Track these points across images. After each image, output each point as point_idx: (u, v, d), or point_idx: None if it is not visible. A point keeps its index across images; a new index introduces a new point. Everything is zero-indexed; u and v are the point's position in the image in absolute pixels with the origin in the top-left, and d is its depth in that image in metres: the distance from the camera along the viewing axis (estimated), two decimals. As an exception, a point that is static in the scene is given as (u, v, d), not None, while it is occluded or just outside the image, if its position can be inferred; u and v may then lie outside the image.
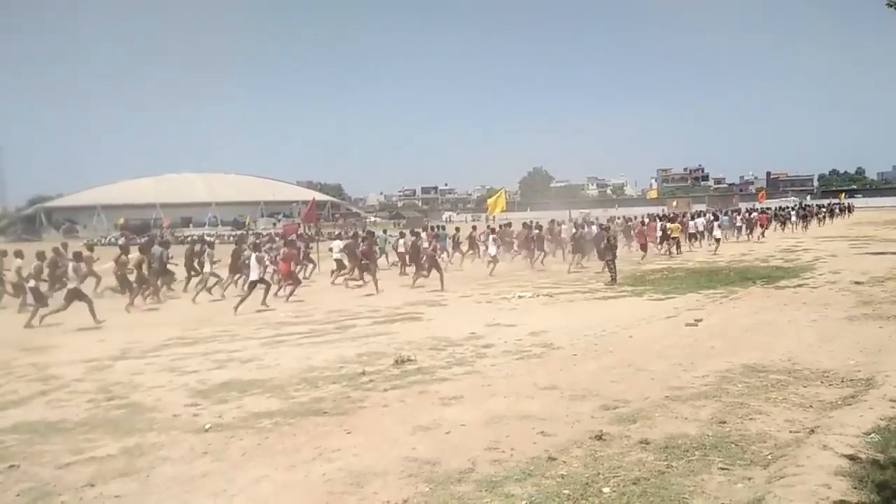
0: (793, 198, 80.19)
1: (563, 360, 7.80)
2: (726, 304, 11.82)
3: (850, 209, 57.64)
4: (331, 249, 18.90)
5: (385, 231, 26.35)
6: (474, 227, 24.12)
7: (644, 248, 22.05)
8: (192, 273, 16.76)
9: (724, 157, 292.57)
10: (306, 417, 5.88)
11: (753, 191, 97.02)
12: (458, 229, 22.98)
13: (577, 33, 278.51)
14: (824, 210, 45.65)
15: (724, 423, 5.30)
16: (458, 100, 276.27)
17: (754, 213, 33.11)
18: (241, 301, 13.11)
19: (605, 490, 4.11)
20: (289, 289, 14.85)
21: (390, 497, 4.13)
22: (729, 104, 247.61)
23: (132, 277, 14.53)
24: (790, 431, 5.06)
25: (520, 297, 13.70)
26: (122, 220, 68.15)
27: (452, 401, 6.23)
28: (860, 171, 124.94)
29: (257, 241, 17.27)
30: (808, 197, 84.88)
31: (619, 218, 31.02)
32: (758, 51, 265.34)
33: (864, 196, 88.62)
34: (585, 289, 14.80)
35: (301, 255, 18.79)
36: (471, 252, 22.35)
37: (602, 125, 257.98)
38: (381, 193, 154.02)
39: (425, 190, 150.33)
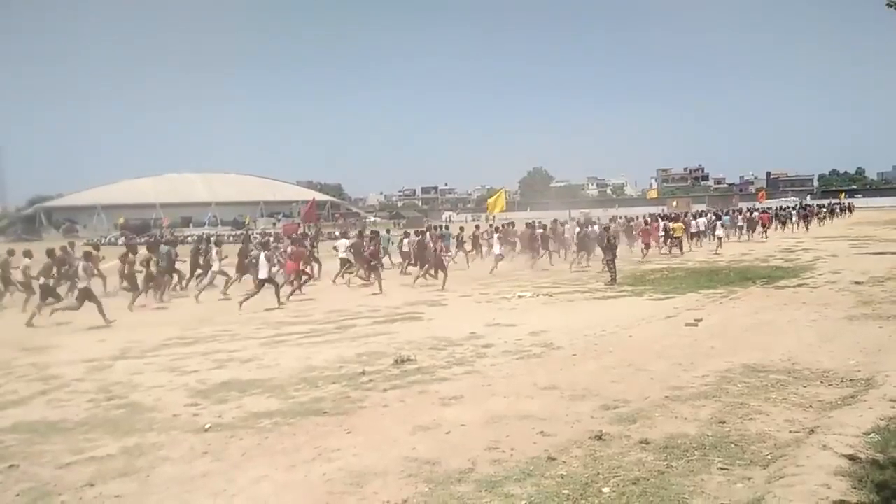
0: (793, 198, 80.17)
1: (563, 360, 7.80)
2: (726, 304, 11.82)
3: (850, 209, 57.74)
4: (335, 248, 18.96)
5: (388, 231, 26.38)
6: (477, 227, 24.19)
7: (647, 246, 22.15)
8: (197, 271, 16.87)
9: (724, 157, 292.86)
10: (306, 417, 5.88)
11: (753, 191, 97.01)
12: (462, 229, 23.01)
13: (577, 33, 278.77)
14: (825, 210, 45.73)
15: (724, 423, 5.31)
16: (458, 100, 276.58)
17: (756, 213, 33.20)
18: (248, 297, 13.22)
19: (605, 490, 4.11)
20: (288, 288, 14.86)
21: (390, 497, 4.13)
22: (729, 104, 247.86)
23: (140, 276, 14.65)
24: (790, 431, 5.06)
25: (520, 296, 13.70)
26: (122, 220, 68.08)
27: (452, 401, 6.24)
28: (860, 171, 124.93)
29: (266, 241, 17.28)
30: (808, 197, 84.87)
31: (620, 217, 31.05)
32: (758, 51, 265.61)
33: (864, 196, 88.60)
34: (585, 289, 14.80)
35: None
36: (473, 251, 22.41)
37: (602, 125, 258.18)
38: (381, 193, 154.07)
39: (425, 190, 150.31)
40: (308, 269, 16.71)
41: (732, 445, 4.80)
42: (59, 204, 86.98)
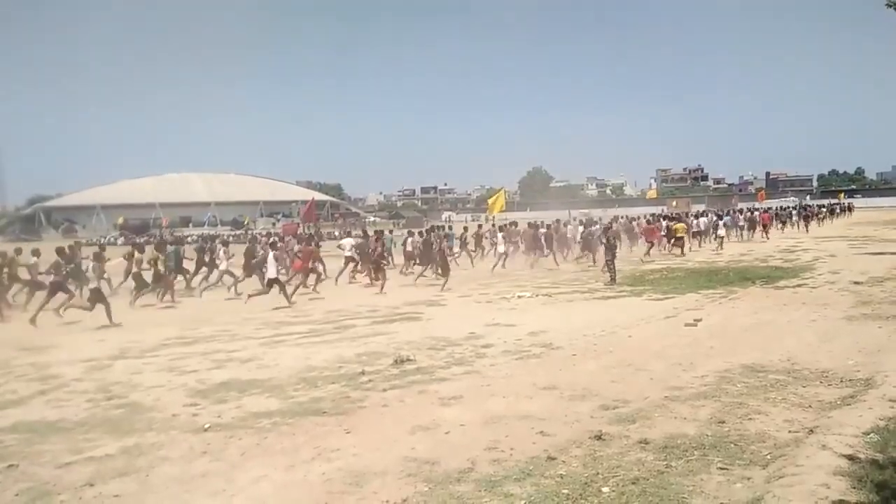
0: (792, 198, 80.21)
1: (563, 360, 7.80)
2: (725, 304, 11.83)
3: (850, 209, 57.88)
4: (340, 247, 19.02)
5: (391, 231, 26.44)
6: (480, 226, 24.38)
7: (651, 245, 22.28)
8: (202, 269, 17.11)
9: (724, 158, 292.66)
10: (305, 417, 5.88)
11: (753, 191, 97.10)
12: (465, 229, 23.08)
13: (577, 33, 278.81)
14: (825, 210, 45.87)
15: (724, 422, 5.31)
16: (457, 100, 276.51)
17: (757, 213, 33.31)
18: (258, 294, 13.46)
19: (605, 490, 4.11)
20: (293, 285, 14.97)
21: (389, 496, 4.13)
22: (728, 104, 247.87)
23: (146, 274, 14.80)
24: (789, 431, 5.06)
25: (519, 297, 13.70)
26: (121, 220, 68.02)
27: (452, 401, 6.24)
28: (859, 172, 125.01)
29: (274, 241, 17.39)
30: (808, 197, 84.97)
31: (622, 217, 31.16)
32: (757, 51, 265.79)
33: (863, 196, 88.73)
34: (585, 289, 14.80)
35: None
36: (474, 251, 22.50)
37: (601, 125, 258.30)
38: (381, 193, 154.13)
39: (425, 190, 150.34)
40: (317, 268, 16.80)
41: (732, 445, 4.80)
42: (58, 204, 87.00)
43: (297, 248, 17.05)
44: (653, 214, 31.04)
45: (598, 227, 21.35)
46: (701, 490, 4.06)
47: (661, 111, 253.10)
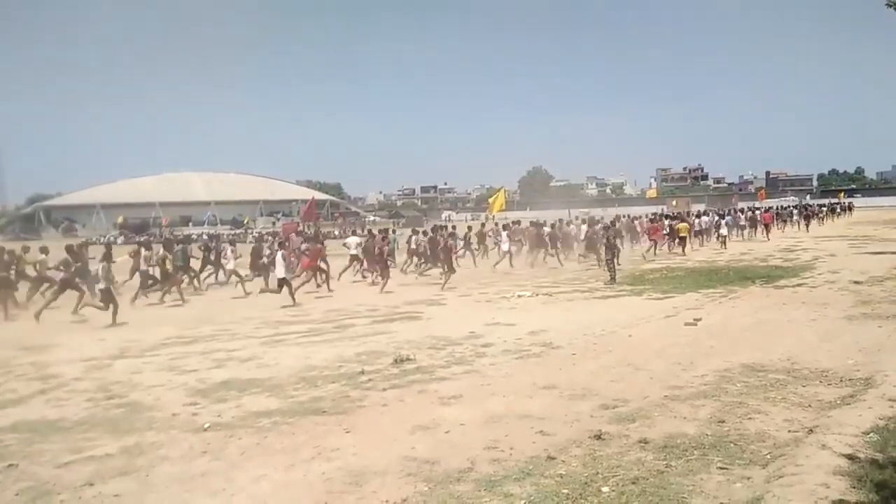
0: (792, 197, 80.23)
1: (563, 360, 7.81)
2: (725, 303, 11.83)
3: (850, 209, 57.96)
4: (346, 245, 19.08)
5: (394, 231, 26.55)
6: (483, 225, 24.52)
7: (655, 243, 22.42)
8: (208, 267, 17.52)
9: (724, 157, 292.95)
10: (305, 416, 5.88)
11: (753, 190, 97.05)
12: (469, 228, 23.19)
13: (577, 32, 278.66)
14: (825, 209, 45.97)
15: (723, 422, 5.31)
16: (457, 99, 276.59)
17: (758, 212, 33.40)
18: (270, 291, 13.69)
19: (604, 489, 4.11)
20: (299, 282, 15.11)
21: (389, 496, 4.13)
22: (728, 104, 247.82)
23: (154, 272, 15.00)
24: (789, 431, 5.06)
25: (519, 296, 13.71)
26: (121, 219, 68.02)
27: (451, 400, 6.24)
28: (859, 171, 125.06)
29: (283, 240, 17.51)
30: (808, 196, 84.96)
31: (624, 217, 31.31)
32: (758, 50, 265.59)
33: (863, 196, 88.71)
34: (585, 288, 14.81)
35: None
36: (478, 249, 22.61)
37: (601, 124, 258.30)
38: (381, 192, 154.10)
39: (424, 189, 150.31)
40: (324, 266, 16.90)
41: (731, 445, 4.81)
42: (58, 203, 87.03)
43: (304, 246, 17.16)
44: (655, 213, 31.20)
45: (601, 226, 21.42)
46: (701, 490, 4.06)
47: (661, 111, 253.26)
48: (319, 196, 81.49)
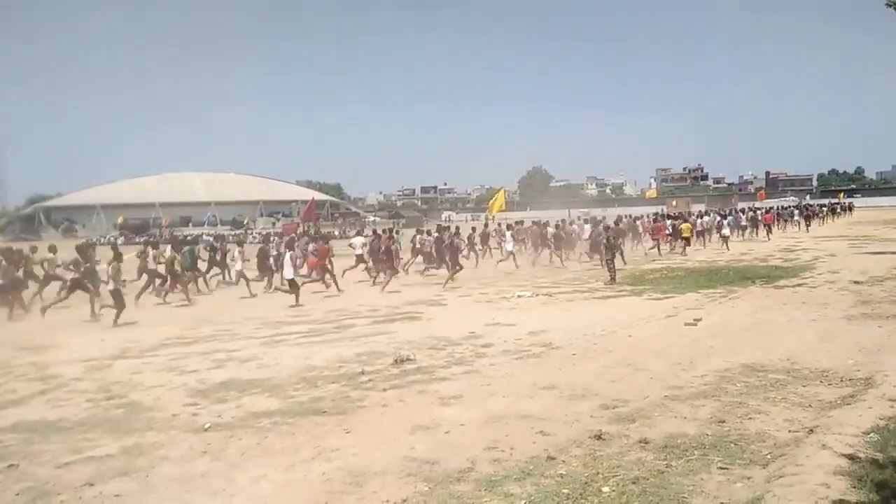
0: (792, 197, 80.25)
1: (563, 360, 7.80)
2: (725, 303, 11.83)
3: (850, 209, 58.04)
4: (351, 246, 19.16)
5: (397, 232, 26.63)
6: (486, 226, 24.67)
7: (658, 242, 22.54)
8: (213, 269, 17.73)
9: (724, 157, 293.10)
10: (305, 417, 5.88)
11: (752, 190, 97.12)
12: (473, 229, 23.28)
13: (577, 32, 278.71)
14: (825, 209, 46.06)
15: (724, 422, 5.31)
16: (457, 99, 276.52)
17: (759, 212, 33.49)
18: (283, 291, 13.89)
19: (605, 489, 4.11)
20: (310, 283, 15.36)
21: (389, 496, 4.13)
22: (728, 104, 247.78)
23: (161, 271, 15.16)
24: (789, 431, 5.06)
25: (519, 296, 13.70)
26: (121, 220, 68.00)
27: (452, 400, 6.24)
28: (859, 171, 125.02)
29: (291, 241, 17.60)
30: (808, 196, 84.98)
31: (626, 217, 31.43)
32: (757, 50, 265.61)
33: (863, 196, 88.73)
34: (585, 288, 14.81)
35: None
36: (482, 249, 22.71)
37: (601, 125, 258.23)
38: (381, 193, 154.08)
39: (424, 189, 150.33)
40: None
41: (732, 445, 4.80)
42: (58, 203, 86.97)
43: (311, 246, 17.27)
44: (657, 213, 31.39)
45: (606, 227, 21.53)
46: (701, 490, 4.06)
47: (660, 111, 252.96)
48: (319, 196, 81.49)
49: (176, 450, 5.15)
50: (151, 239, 24.01)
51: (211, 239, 25.25)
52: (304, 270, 16.79)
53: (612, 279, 15.35)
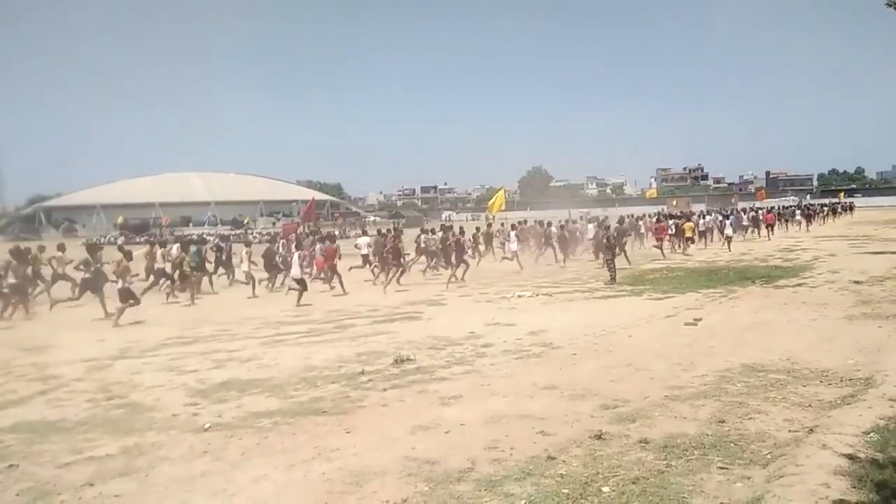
0: (792, 197, 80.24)
1: (563, 360, 7.81)
2: (725, 303, 11.83)
3: (850, 208, 58.11)
4: (357, 246, 19.23)
5: (400, 231, 26.75)
6: (489, 226, 24.79)
7: (661, 241, 22.59)
8: (220, 269, 17.87)
9: (724, 157, 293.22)
10: (305, 417, 5.88)
11: (753, 190, 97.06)
12: (478, 229, 23.37)
13: (577, 32, 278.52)
14: (826, 209, 46.14)
15: (724, 422, 5.31)
16: (457, 99, 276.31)
17: (760, 212, 33.56)
18: (295, 290, 13.90)
19: (605, 489, 4.11)
20: (336, 284, 15.58)
21: (390, 496, 4.13)
22: (728, 103, 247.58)
23: (169, 271, 15.29)
24: (789, 431, 5.06)
25: (519, 296, 13.71)
26: (121, 220, 67.97)
27: (452, 400, 6.24)
28: (859, 171, 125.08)
29: (299, 241, 17.67)
30: (808, 196, 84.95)
31: (628, 216, 31.55)
32: (757, 50, 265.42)
33: (863, 195, 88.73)
34: (585, 288, 14.81)
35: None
36: (486, 249, 22.76)
37: (601, 124, 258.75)
38: (381, 193, 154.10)
39: (425, 189, 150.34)
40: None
41: (732, 445, 4.80)
42: (58, 203, 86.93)
43: (319, 246, 17.35)
44: (659, 213, 31.52)
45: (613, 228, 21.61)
46: (701, 490, 4.06)
47: (660, 110, 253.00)
48: (319, 196, 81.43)
49: (176, 450, 5.15)
50: (153, 238, 24.18)
51: (217, 239, 25.37)
52: (312, 271, 16.85)
53: (613, 279, 15.35)
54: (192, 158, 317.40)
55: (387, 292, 15.05)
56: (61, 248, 15.41)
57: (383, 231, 20.39)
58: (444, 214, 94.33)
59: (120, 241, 43.12)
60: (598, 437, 5.03)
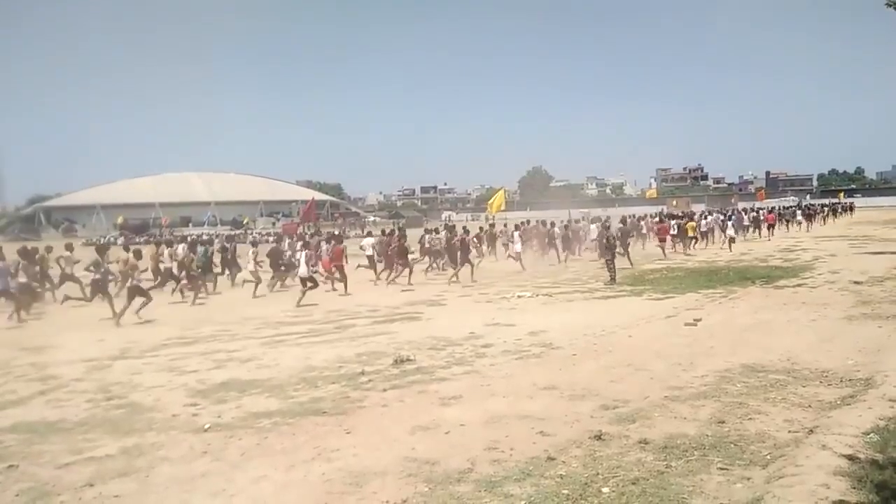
0: (792, 197, 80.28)
1: (563, 360, 7.81)
2: (725, 303, 11.83)
3: (851, 209, 58.14)
4: (362, 247, 19.29)
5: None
6: (492, 226, 24.87)
7: (663, 241, 22.67)
8: (224, 270, 18.04)
9: (724, 157, 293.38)
10: (305, 417, 5.88)
11: (753, 190, 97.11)
12: (481, 228, 23.42)
13: (577, 32, 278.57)
14: (826, 209, 46.19)
15: (723, 422, 5.31)
16: (457, 99, 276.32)
17: (761, 212, 33.62)
18: (305, 290, 13.96)
19: (605, 490, 4.11)
20: (339, 285, 15.65)
21: (389, 497, 4.13)
22: (728, 103, 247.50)
23: (175, 271, 15.40)
24: (789, 431, 5.06)
25: (519, 296, 13.71)
26: (121, 220, 67.93)
27: (452, 400, 6.24)
28: (859, 171, 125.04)
29: (306, 240, 17.70)
30: (808, 196, 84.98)
31: (630, 217, 31.64)
32: (757, 50, 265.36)
33: (863, 196, 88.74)
34: (585, 289, 14.81)
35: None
36: (489, 249, 22.79)
37: (601, 125, 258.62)
38: (381, 193, 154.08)
39: (424, 189, 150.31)
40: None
41: (732, 445, 4.81)
42: (57, 203, 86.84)
43: (325, 247, 17.39)
44: (660, 213, 31.61)
45: (618, 228, 21.65)
46: (701, 490, 4.06)
47: (660, 111, 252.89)
48: (319, 196, 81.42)
49: (176, 450, 5.15)
50: (160, 238, 24.21)
51: (223, 240, 25.49)
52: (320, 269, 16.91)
53: (613, 279, 15.35)
54: (192, 158, 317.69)
55: (390, 288, 15.10)
56: (69, 247, 15.47)
57: (387, 231, 20.49)
58: (444, 214, 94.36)
59: (120, 241, 43.16)
60: (598, 437, 5.03)
